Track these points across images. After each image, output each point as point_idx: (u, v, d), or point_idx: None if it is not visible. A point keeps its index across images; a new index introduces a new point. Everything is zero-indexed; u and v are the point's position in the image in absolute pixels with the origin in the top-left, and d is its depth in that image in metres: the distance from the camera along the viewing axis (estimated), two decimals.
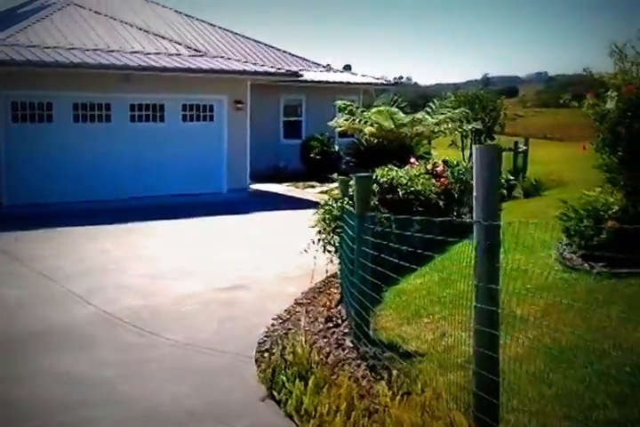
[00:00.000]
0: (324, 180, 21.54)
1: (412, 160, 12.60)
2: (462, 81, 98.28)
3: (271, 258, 10.70)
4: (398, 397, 4.38)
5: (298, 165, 22.64)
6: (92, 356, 6.37)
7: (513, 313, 5.71)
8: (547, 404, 4.09)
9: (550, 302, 5.76)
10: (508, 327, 5.38)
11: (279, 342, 6.33)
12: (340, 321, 6.92)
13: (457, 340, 5.40)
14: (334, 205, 7.99)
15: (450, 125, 17.39)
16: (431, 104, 19.14)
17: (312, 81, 23.43)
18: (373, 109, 17.63)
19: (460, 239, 10.78)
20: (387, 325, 6.32)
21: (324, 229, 8.04)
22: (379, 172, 9.70)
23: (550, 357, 4.54)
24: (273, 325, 7.17)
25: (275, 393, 5.06)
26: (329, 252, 8.36)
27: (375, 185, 9.20)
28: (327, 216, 7.84)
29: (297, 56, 25.99)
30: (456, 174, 12.91)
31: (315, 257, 8.13)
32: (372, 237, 5.73)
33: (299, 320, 7.36)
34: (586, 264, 6.68)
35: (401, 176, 9.95)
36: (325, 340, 6.34)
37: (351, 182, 8.60)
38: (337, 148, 22.83)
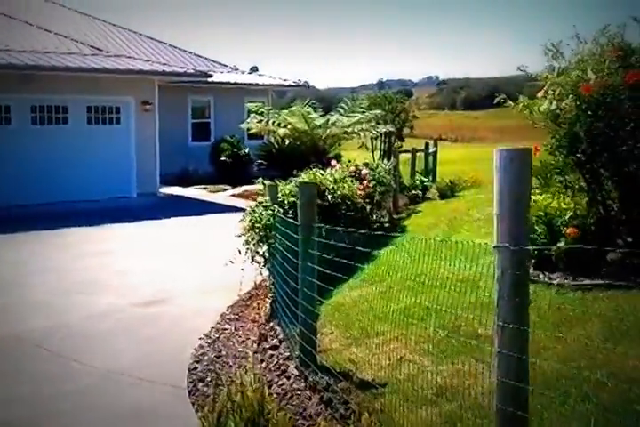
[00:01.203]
0: (235, 183, 20.89)
1: (334, 163, 12.13)
2: (357, 85, 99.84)
3: (189, 268, 9.97)
4: None
5: (208, 168, 21.84)
6: None
7: (476, 334, 5.29)
8: None
9: None
10: (471, 350, 4.95)
11: (213, 368, 5.68)
12: (276, 341, 6.32)
13: (418, 366, 4.91)
14: (263, 212, 7.38)
15: (364, 127, 17.03)
16: (343, 105, 18.74)
17: (220, 82, 22.72)
18: (286, 110, 17.06)
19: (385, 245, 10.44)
20: (332, 346, 5.76)
21: (252, 239, 7.41)
22: (306, 176, 9.16)
23: (539, 388, 4.09)
24: (201, 346, 6.49)
25: None
26: (257, 263, 7.75)
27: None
28: (257, 225, 7.22)
29: (202, 57, 25.19)
30: (377, 177, 12.57)
31: (242, 268, 7.51)
32: (314, 248, 5.16)
33: (229, 340, 6.72)
34: (541, 274, 6.32)
35: (327, 180, 9.45)
36: (264, 364, 5.72)
37: (281, 187, 8.07)
38: (247, 150, 22.18)
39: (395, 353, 5.24)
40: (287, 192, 8.08)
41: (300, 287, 5.15)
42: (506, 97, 8.15)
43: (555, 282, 6.13)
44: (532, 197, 8.21)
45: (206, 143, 22.85)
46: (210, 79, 20.08)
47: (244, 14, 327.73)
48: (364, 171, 11.87)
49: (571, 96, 6.29)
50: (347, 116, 17.18)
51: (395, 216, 14.40)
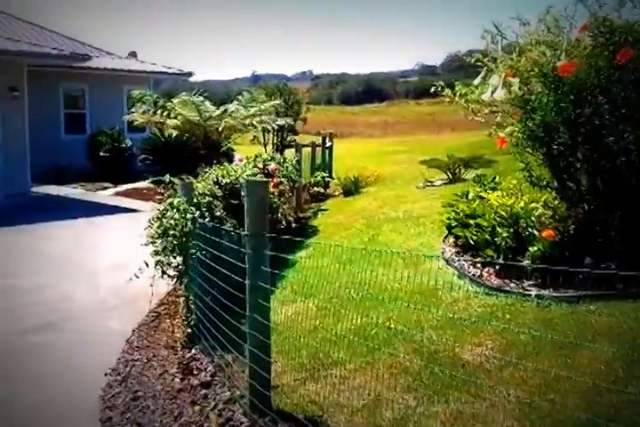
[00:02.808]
0: (117, 180, 19.21)
1: (238, 157, 10.94)
2: (231, 78, 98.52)
3: (80, 283, 8.50)
4: None
5: (84, 163, 19.87)
6: None
7: (461, 360, 4.36)
8: None
9: (504, 342, 4.46)
10: (463, 383, 4.01)
11: (132, 417, 4.46)
12: (206, 376, 5.14)
13: (403, 408, 3.91)
14: (176, 216, 6.15)
15: (264, 119, 15.87)
16: (240, 97, 17.48)
17: (97, 68, 20.78)
18: (176, 100, 15.62)
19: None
20: (283, 380, 4.65)
21: (165, 249, 6.16)
22: (218, 172, 7.97)
23: None
24: (110, 386, 5.21)
25: None
26: (169, 277, 6.50)
27: (217, 188, 7.48)
28: (171, 232, 5.98)
29: (76, 40, 22.95)
30: (285, 173, 11.54)
31: (151, 285, 6.27)
32: (266, 264, 4.05)
33: (142, 375, 5.48)
34: (512, 284, 5.47)
35: (242, 177, 8.29)
36: (197, 409, 4.55)
37: (196, 185, 6.83)
38: (130, 144, 20.44)
39: (367, 390, 4.22)
40: (200, 192, 6.89)
41: (248, 313, 4.03)
42: (443, 85, 7.39)
43: (531, 293, 5.30)
44: (483, 194, 7.45)
45: (82, 136, 20.87)
46: (86, 64, 18.25)
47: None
48: (273, 166, 10.79)
49: (542, 79, 5.47)
50: (245, 107, 15.95)
51: (300, 215, 13.39)
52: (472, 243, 6.31)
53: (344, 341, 5.06)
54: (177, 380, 5.27)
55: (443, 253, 7.01)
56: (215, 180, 7.52)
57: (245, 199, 3.98)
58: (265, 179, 7.76)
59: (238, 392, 4.58)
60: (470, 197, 7.75)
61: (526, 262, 5.43)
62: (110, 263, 9.35)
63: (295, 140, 22.16)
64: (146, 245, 6.47)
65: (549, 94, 5.44)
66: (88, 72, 20.54)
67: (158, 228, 6.36)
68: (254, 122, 15.58)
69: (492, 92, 6.47)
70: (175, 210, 6.27)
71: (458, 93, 7.17)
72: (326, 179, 16.89)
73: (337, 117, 70.06)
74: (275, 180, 10.45)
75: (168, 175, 7.13)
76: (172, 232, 5.93)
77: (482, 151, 15.73)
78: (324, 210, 13.72)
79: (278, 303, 6.54)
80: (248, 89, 18.26)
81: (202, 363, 5.42)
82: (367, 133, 53.61)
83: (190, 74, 24.86)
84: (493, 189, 7.92)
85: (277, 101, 17.75)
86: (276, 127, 18.22)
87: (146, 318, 7.17)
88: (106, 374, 5.46)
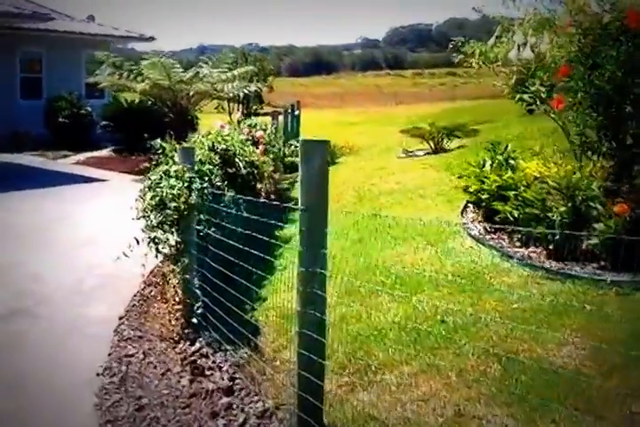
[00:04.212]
0: (76, 148, 18.09)
1: (221, 123, 9.93)
2: (179, 49, 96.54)
3: (53, 261, 7.51)
4: None
5: (42, 130, 18.54)
6: None
7: (551, 363, 3.57)
8: None
9: (595, 339, 3.68)
10: (568, 391, 3.21)
11: None
12: (222, 378, 4.27)
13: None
14: (177, 185, 5.21)
15: (237, 84, 14.80)
16: (206, 60, 16.33)
17: (56, 30, 19.38)
18: (145, 62, 14.44)
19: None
20: (326, 387, 3.81)
21: (161, 224, 5.24)
22: (212, 137, 7.01)
23: None
24: (106, 391, 4.29)
25: None
26: (166, 256, 5.59)
27: (214, 155, 6.55)
28: (171, 204, 5.05)
29: (31, 1, 21.40)
30: (269, 140, 10.64)
31: (143, 264, 5.38)
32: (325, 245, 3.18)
33: (143, 375, 4.59)
34: (576, 267, 4.70)
35: (234, 143, 7.37)
36: (223, 424, 3.68)
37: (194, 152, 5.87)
38: (90, 110, 19.17)
39: (440, 401, 3.41)
40: (198, 159, 5.96)
41: (300, 308, 3.17)
42: (464, 40, 6.69)
43: (605, 278, 4.53)
44: (518, 163, 6.67)
45: (39, 102, 19.51)
46: (44, 26, 16.92)
47: None
48: (260, 133, 9.86)
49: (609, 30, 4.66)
50: (223, 71, 14.85)
51: (277, 186, 12.47)
52: (511, 218, 5.53)
53: (388, 336, 4.24)
54: (185, 382, 4.40)
55: (468, 230, 6.22)
56: (211, 146, 6.58)
57: (301, 164, 3.09)
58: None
59: (271, 402, 3.73)
60: (487, 166, 6.97)
61: (592, 242, 4.66)
62: (85, 238, 8.37)
63: (262, 108, 21.17)
64: (137, 219, 5.55)
65: (621, 46, 4.65)
66: (46, 35, 19.18)
67: (152, 199, 5.43)
68: (227, 87, 14.50)
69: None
70: (174, 179, 5.34)
71: (477, 52, 6.43)
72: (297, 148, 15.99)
73: (287, 89, 69.31)
74: (261, 148, 9.54)
75: (159, 140, 6.18)
76: (173, 204, 5.00)
77: (440, 123, 15.02)
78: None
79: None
80: (210, 56, 17.12)
81: (214, 361, 4.54)
82: (318, 105, 52.81)
83: (152, 38, 23.54)
84: (507, 158, 7.15)
85: (252, 67, 16.69)
86: (250, 93, 17.15)
87: (132, 302, 6.26)
88: (98, 375, 4.55)
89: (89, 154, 17.63)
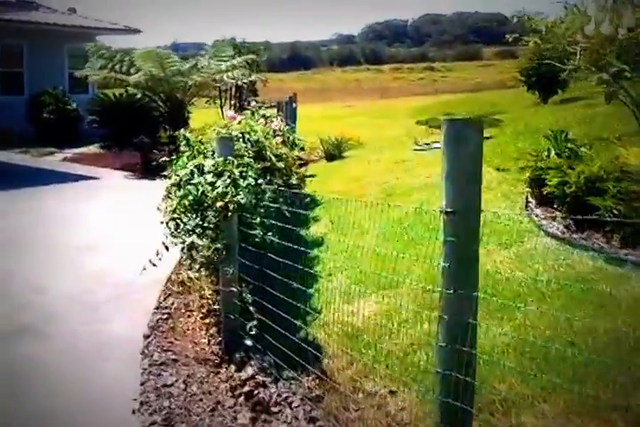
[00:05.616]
0: (62, 144, 17.25)
1: (232, 114, 9.08)
2: (153, 46, 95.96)
3: (51, 267, 6.62)
4: None
5: (25, 126, 17.55)
6: None
7: None
8: None
9: None
10: None
11: None
12: (295, 418, 3.45)
13: None
14: (227, 183, 4.36)
15: (235, 74, 13.93)
16: (203, 52, 15.49)
17: (38, 22, 18.38)
18: (138, 51, 13.55)
19: None
20: None
21: (203, 228, 4.41)
22: (241, 126, 6.20)
23: None
24: None
25: None
26: (202, 265, 4.76)
27: (248, 146, 5.75)
28: (219, 204, 4.22)
29: None
30: (283, 133, 9.81)
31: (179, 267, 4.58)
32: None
33: (189, 412, 3.76)
34: None
35: (263, 135, 6.57)
36: None
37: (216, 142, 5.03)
38: (75, 105, 18.19)
39: None
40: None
41: (442, 342, 2.37)
42: (529, 16, 6.02)
43: None
44: (621, 149, 5.92)
45: (21, 97, 18.50)
46: (25, 18, 15.94)
47: None
48: (276, 122, 9.04)
49: None
50: (223, 60, 13.99)
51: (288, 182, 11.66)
52: (610, 216, 4.78)
53: (500, 361, 3.46)
54: (244, 420, 3.59)
55: (543, 228, 5.46)
56: (241, 136, 5.76)
57: (445, 151, 2.30)
58: None
59: None
60: (552, 155, 6.24)
61: None
62: (87, 243, 7.50)
63: (256, 101, 20.30)
64: (166, 223, 4.73)
65: None
66: (27, 27, 18.15)
67: (183, 198, 4.60)
68: (226, 76, 13.64)
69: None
70: (211, 175, 4.51)
71: (544, 28, 5.71)
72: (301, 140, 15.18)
73: (266, 84, 68.70)
74: (278, 139, 8.72)
75: (182, 130, 5.37)
76: (219, 204, 4.17)
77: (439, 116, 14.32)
78: (309, 176, 11.93)
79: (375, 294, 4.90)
80: (206, 48, 16.27)
81: (279, 394, 3.71)
82: (300, 100, 52.34)
83: (137, 31, 22.58)
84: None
85: (250, 56, 15.83)
86: (245, 85, 16.31)
87: (155, 316, 5.43)
88: (134, 412, 3.73)
89: (76, 150, 16.78)
